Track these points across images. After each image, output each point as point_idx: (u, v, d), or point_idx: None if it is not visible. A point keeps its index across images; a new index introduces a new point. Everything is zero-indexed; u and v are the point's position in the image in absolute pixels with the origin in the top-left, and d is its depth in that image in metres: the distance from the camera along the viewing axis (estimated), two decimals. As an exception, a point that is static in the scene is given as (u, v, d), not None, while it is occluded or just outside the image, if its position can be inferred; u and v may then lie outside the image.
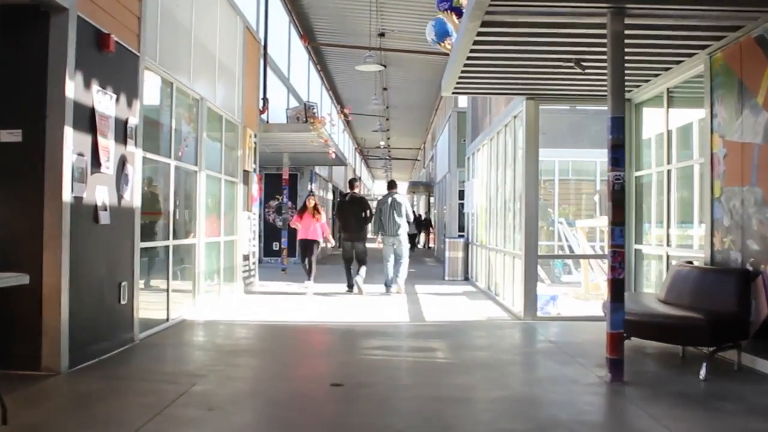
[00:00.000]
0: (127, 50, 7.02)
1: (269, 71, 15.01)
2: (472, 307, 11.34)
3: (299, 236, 13.77)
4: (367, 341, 8.01)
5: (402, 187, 59.65)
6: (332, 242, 14.71)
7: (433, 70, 23.04)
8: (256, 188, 13.26)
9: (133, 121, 7.17)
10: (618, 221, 5.86)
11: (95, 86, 6.32)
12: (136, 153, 7.29)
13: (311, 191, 13.04)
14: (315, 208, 13.57)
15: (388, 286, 12.87)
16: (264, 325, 9.26)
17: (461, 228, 21.85)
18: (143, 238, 7.77)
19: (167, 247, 8.51)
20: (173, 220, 8.67)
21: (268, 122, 14.18)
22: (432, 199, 35.87)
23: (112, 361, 6.33)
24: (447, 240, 16.60)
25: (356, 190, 13.31)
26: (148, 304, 8.12)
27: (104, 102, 6.50)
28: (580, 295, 12.76)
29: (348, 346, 7.67)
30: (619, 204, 5.88)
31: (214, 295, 10.74)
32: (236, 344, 7.77)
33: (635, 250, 9.53)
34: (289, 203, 21.03)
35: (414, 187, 37.00)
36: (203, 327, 8.77)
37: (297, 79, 19.76)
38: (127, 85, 7.07)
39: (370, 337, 8.23)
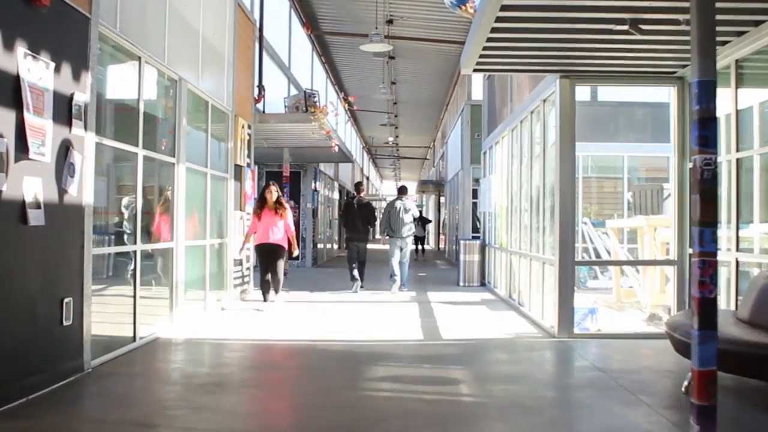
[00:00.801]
0: (71, 8, 5.61)
1: (266, 57, 13.60)
2: (493, 319, 9.90)
3: (256, 240, 10.50)
4: (372, 369, 6.58)
5: (411, 187, 58.38)
6: (297, 251, 10.81)
7: (444, 60, 21.61)
8: (250, 185, 11.86)
9: (81, 97, 5.77)
10: (708, 220, 4.38)
11: (21, 49, 4.91)
12: (86, 137, 5.88)
13: (270, 181, 10.85)
14: (278, 202, 10.44)
15: (393, 277, 13.52)
16: (251, 344, 7.83)
17: (475, 229, 20.44)
18: (100, 243, 6.37)
19: (133, 252, 7.10)
20: (142, 221, 7.26)
21: (264, 112, 12.77)
22: (443, 199, 34.40)
23: (41, 403, 4.91)
24: (462, 242, 15.16)
25: (362, 194, 13.75)
26: (108, 323, 6.71)
27: (37, 71, 5.09)
28: (612, 304, 11.27)
29: (349, 376, 6.24)
30: (710, 197, 4.41)
31: (198, 307, 9.33)
32: (211, 374, 6.34)
33: (689, 255, 8.07)
34: (291, 203, 19.62)
35: (423, 186, 35.51)
36: (177, 348, 7.36)
37: (299, 70, 18.34)
38: (72, 53, 5.67)
39: (376, 363, 6.80)
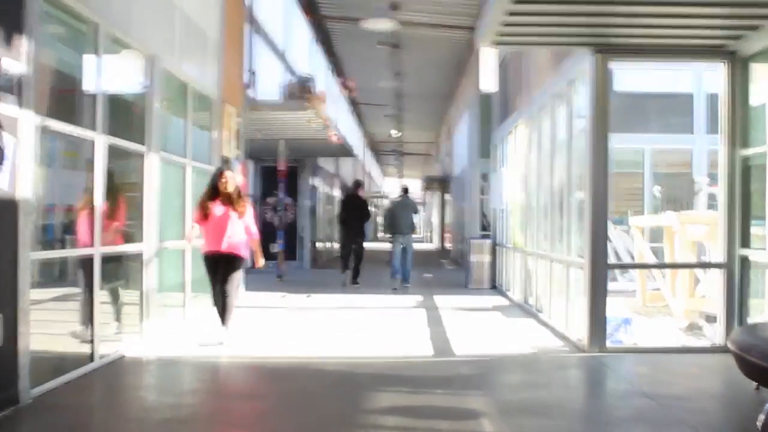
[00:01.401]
0: (-2, -46, 4.53)
1: (260, 41, 12.52)
2: (511, 329, 8.81)
3: (204, 247, 7.61)
4: (375, 396, 5.49)
5: (415, 184, 57.34)
6: (262, 262, 8.08)
7: (450, 49, 20.48)
8: (239, 179, 10.74)
9: (13, 66, 4.67)
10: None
11: None
12: (21, 117, 4.79)
13: (225, 160, 9.22)
14: (237, 195, 7.70)
15: (394, 275, 13.74)
16: (232, 363, 6.75)
17: (482, 227, 19.33)
18: (46, 245, 5.30)
19: (90, 257, 6.01)
20: (101, 219, 6.17)
21: (256, 100, 11.68)
22: (447, 196, 33.29)
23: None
24: (471, 241, 14.05)
25: (361, 193, 14.06)
26: (60, 341, 5.64)
27: (-54, 27, 4.00)
28: (638, 309, 10.14)
29: (346, 406, 5.14)
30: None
31: (176, 318, 8.25)
32: (177, 405, 5.24)
33: (740, 257, 6.97)
34: (288, 200, 18.56)
35: (428, 183, 34.37)
36: (143, 370, 6.29)
37: (296, 58, 17.21)
38: (1, 11, 4.58)
39: (379, 388, 5.71)
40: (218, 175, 7.75)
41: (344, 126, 23.11)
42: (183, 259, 8.46)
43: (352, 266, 13.79)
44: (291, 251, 18.65)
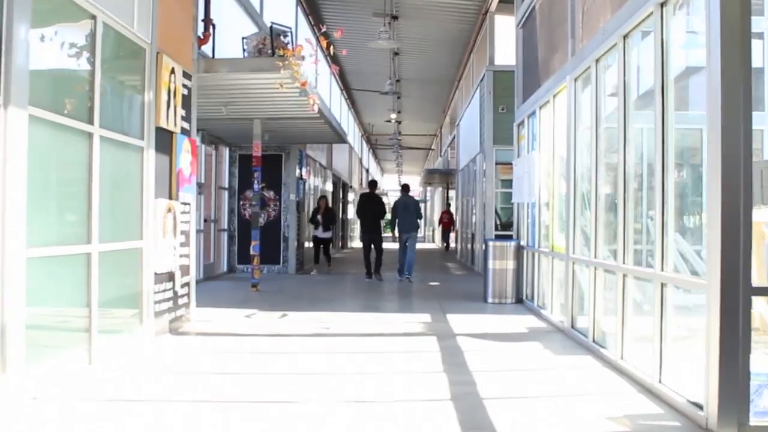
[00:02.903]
0: None
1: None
2: (570, 378, 6.05)
3: None
4: None
5: (415, 180, 54.65)
6: None
7: (457, 21, 17.77)
8: (187, 162, 8.00)
9: None
10: None
11: None
12: None
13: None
14: None
15: (400, 273, 14.50)
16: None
17: (501, 226, 16.60)
18: None
19: None
20: None
21: (214, 58, 8.91)
22: (452, 192, 30.54)
23: None
24: (490, 244, 11.28)
25: (376, 192, 15.09)
26: None
27: None
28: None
29: None
30: None
31: (70, 360, 5.49)
32: None
33: None
34: (269, 193, 15.82)
35: (429, 177, 31.54)
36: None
37: (271, 16, 14.40)
38: None
39: None
40: None
41: (336, 111, 20.32)
42: (87, 272, 5.69)
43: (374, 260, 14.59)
44: (273, 253, 15.91)
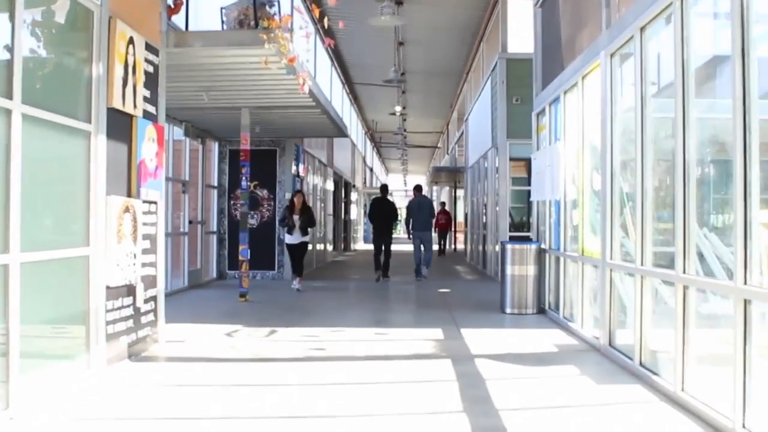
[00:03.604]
0: None
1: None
2: (621, 418, 4.76)
3: None
4: None
5: (420, 181, 53.29)
6: None
7: (467, 7, 16.47)
8: (152, 151, 6.72)
9: None
10: None
11: None
12: None
13: None
14: None
15: (418, 273, 14.89)
16: None
17: (514, 227, 15.31)
18: None
19: None
20: None
21: (187, 30, 7.65)
22: (460, 191, 29.24)
23: None
24: (507, 247, 9.97)
25: (388, 196, 14.91)
26: None
27: None
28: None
29: None
30: None
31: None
32: None
33: None
34: (265, 192, 14.58)
35: (436, 175, 30.19)
36: None
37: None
38: None
39: None
40: None
41: (338, 106, 19.05)
42: (3, 286, 4.42)
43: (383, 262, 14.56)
44: (267, 258, 14.64)
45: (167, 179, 12.06)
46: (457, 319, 9.09)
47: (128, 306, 6.31)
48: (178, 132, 12.44)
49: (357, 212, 34.74)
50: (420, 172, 58.69)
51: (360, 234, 38.29)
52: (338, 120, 12.71)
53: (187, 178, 12.99)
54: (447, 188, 34.18)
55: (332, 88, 21.42)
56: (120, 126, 6.14)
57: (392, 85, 23.22)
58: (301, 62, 7.91)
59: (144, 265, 6.62)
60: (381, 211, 14.57)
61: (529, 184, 16.84)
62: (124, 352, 6.23)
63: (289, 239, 12.71)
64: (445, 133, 36.42)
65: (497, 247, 15.29)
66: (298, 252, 12.73)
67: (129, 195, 6.34)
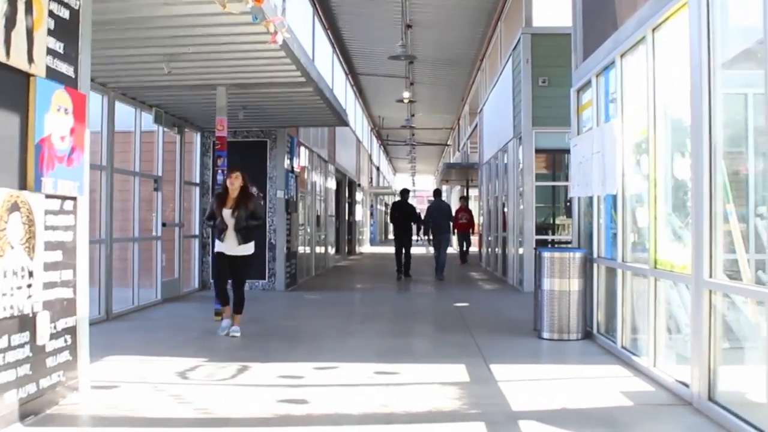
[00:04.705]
0: None
1: None
2: None
3: None
4: None
5: (429, 181, 51.31)
6: None
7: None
8: (65, 125, 4.77)
9: None
10: None
11: None
12: None
13: None
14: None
15: (438, 273, 15.36)
16: None
17: (540, 229, 13.39)
18: None
19: None
20: None
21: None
22: (473, 190, 27.24)
23: None
24: (545, 255, 7.95)
25: (407, 200, 15.56)
26: None
27: None
28: None
29: None
30: None
31: None
32: None
33: None
34: (253, 191, 12.62)
35: (447, 173, 28.04)
36: None
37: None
38: None
39: None
40: None
41: (341, 99, 17.12)
42: None
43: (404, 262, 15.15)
44: (256, 266, 12.68)
45: (134, 174, 10.22)
46: (483, 347, 7.12)
47: (21, 346, 4.37)
48: (148, 120, 10.54)
49: (363, 213, 32.74)
50: (428, 172, 56.70)
51: (366, 236, 36.32)
52: (335, 102, 10.73)
53: (160, 174, 11.06)
54: (458, 187, 32.18)
55: (334, 78, 19.49)
56: (5, 87, 4.21)
57: (398, 76, 21.28)
58: (273, 5, 5.96)
59: (51, 285, 4.68)
60: (402, 213, 15.31)
61: (555, 180, 15.02)
62: (14, 413, 4.29)
63: (219, 247, 7.85)
64: (455, 129, 34.43)
65: (520, 251, 13.35)
66: (234, 271, 7.81)
67: (23, 187, 4.40)
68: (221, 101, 8.94)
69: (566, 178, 14.31)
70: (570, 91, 8.79)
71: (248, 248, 7.92)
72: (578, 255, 7.79)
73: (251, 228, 7.89)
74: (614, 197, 7.04)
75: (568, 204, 15.38)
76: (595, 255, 7.75)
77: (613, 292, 7.27)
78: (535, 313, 8.19)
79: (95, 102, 8.95)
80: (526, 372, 6.18)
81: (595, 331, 7.71)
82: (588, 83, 8.05)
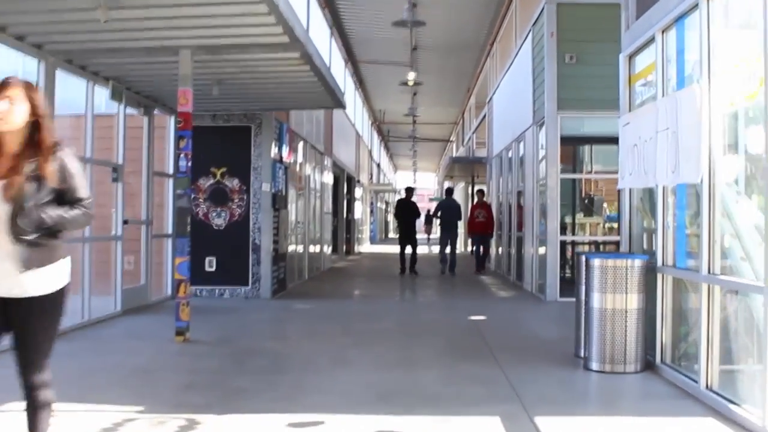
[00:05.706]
0: None
1: None
2: None
3: None
4: None
5: (430, 179, 49.72)
6: None
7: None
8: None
9: None
10: None
11: None
12: None
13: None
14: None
15: (451, 268, 15.94)
16: None
17: (564, 228, 11.68)
18: None
19: None
20: None
21: None
22: (479, 187, 25.44)
23: None
24: (594, 263, 6.19)
25: (412, 198, 16.33)
26: None
27: None
28: None
29: None
30: None
31: None
32: None
33: None
34: (235, 183, 11.01)
35: (451, 168, 26.18)
36: None
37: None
38: None
39: None
40: None
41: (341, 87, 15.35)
42: None
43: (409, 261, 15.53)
44: (239, 270, 10.98)
45: (84, 161, 8.43)
46: (518, 385, 5.37)
47: None
48: (103, 97, 8.80)
49: (362, 211, 31.01)
50: (430, 169, 55.01)
51: (366, 234, 34.58)
52: (328, 75, 8.93)
53: (120, 162, 9.32)
54: (462, 184, 30.40)
55: (332, 64, 17.71)
56: None
57: (401, 64, 19.64)
58: None
59: None
60: (407, 211, 15.81)
61: (576, 171, 13.21)
62: None
63: None
64: (459, 123, 32.66)
65: (540, 251, 11.63)
66: (19, 333, 3.21)
67: None
68: (185, 68, 7.19)
69: (581, 170, 12.60)
70: (619, 58, 7.02)
71: (47, 279, 3.16)
72: (638, 263, 6.02)
73: (57, 230, 3.17)
74: (695, 187, 5.28)
75: (586, 201, 13.67)
76: (659, 263, 6.00)
77: (685, 312, 5.54)
78: (577, 335, 6.50)
79: (31, 69, 7.23)
80: (578, 425, 4.45)
81: (658, 361, 5.97)
82: (647, 43, 6.30)
